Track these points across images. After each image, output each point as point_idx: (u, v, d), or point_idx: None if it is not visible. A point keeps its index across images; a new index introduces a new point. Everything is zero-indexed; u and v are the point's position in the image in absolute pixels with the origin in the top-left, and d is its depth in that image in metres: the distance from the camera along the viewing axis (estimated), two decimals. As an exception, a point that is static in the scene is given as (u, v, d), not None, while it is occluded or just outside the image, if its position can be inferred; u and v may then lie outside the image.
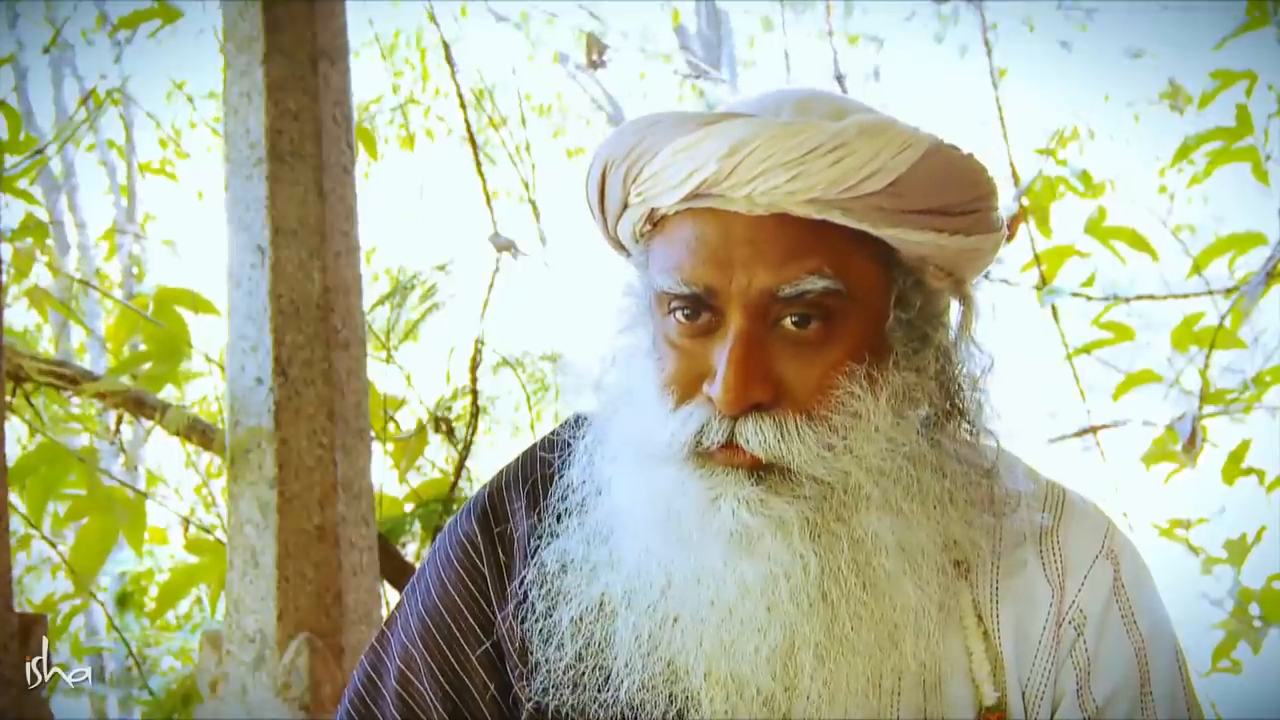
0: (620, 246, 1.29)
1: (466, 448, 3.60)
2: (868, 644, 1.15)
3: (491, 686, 1.26)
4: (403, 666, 1.30)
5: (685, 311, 1.17)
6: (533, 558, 1.25)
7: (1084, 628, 1.24)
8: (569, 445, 1.29)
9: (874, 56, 8.36)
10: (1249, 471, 3.61)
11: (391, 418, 3.57)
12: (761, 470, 1.14)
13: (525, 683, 1.24)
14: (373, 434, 3.13)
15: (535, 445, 1.35)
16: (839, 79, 4.31)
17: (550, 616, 1.22)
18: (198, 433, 3.38)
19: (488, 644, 1.26)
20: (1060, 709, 1.23)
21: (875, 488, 1.15)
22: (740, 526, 1.12)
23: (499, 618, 1.26)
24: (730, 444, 1.14)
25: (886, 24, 8.45)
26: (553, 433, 1.34)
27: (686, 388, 1.17)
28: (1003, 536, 1.24)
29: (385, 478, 3.50)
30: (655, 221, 1.22)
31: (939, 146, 1.17)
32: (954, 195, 1.18)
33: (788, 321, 1.14)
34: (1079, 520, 1.28)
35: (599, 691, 1.20)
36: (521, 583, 1.25)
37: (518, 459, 1.35)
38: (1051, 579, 1.25)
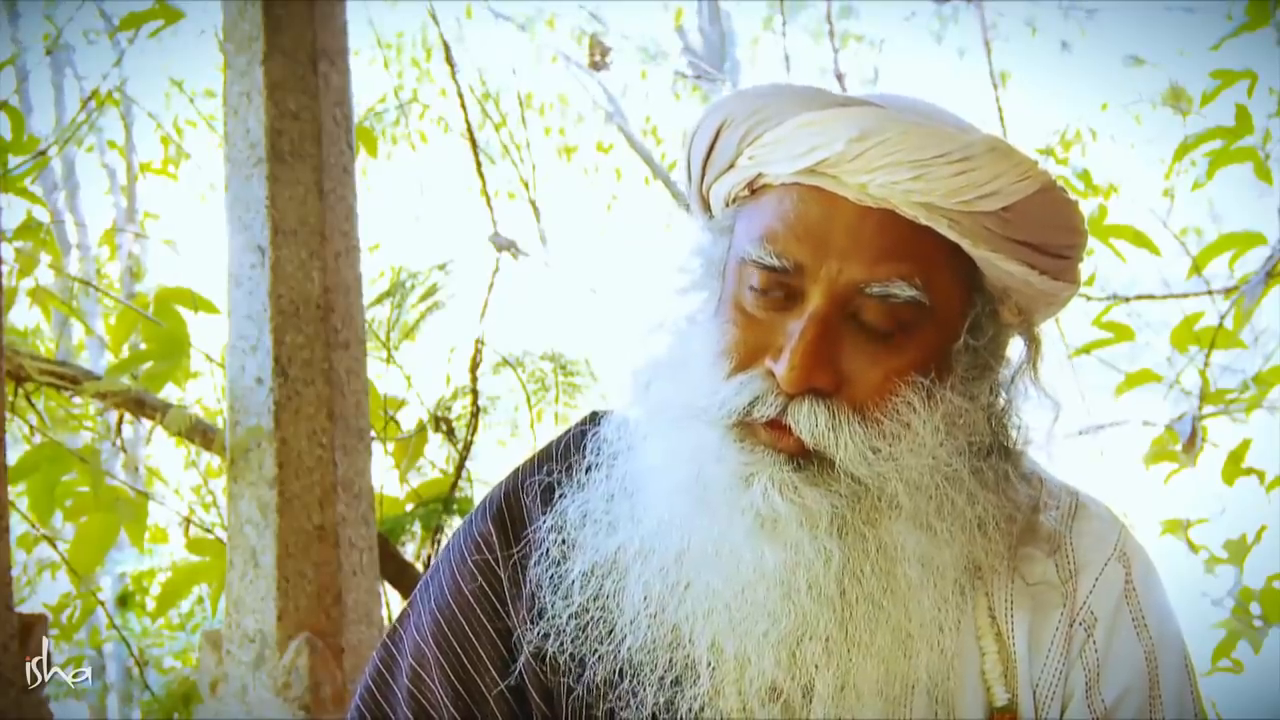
0: (705, 206, 1.28)
1: (466, 448, 3.60)
2: (881, 649, 1.15)
3: (503, 686, 1.25)
4: (415, 664, 1.29)
5: (764, 287, 1.16)
6: (553, 506, 1.26)
7: (1094, 629, 1.24)
8: (586, 441, 1.28)
9: (873, 57, 8.36)
10: (1249, 471, 3.60)
11: (391, 418, 3.57)
12: (802, 458, 1.13)
13: (540, 679, 1.23)
14: (373, 434, 3.13)
15: (551, 443, 1.35)
16: (839, 78, 4.31)
17: (563, 564, 1.22)
18: (198, 433, 3.38)
19: (500, 643, 1.26)
20: (1069, 709, 1.23)
21: (909, 500, 1.15)
22: (769, 509, 1.12)
23: (513, 617, 1.26)
24: (778, 424, 1.14)
25: (885, 24, 8.45)
26: (568, 431, 1.34)
27: (748, 357, 1.16)
28: (1019, 540, 1.25)
29: (385, 478, 3.50)
30: (755, 189, 1.21)
31: (1053, 185, 1.18)
32: (1054, 235, 1.19)
33: (865, 318, 1.14)
34: (1092, 523, 1.29)
35: (600, 644, 1.20)
36: (538, 560, 1.25)
37: (533, 457, 1.35)
38: (1064, 580, 1.25)
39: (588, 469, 1.26)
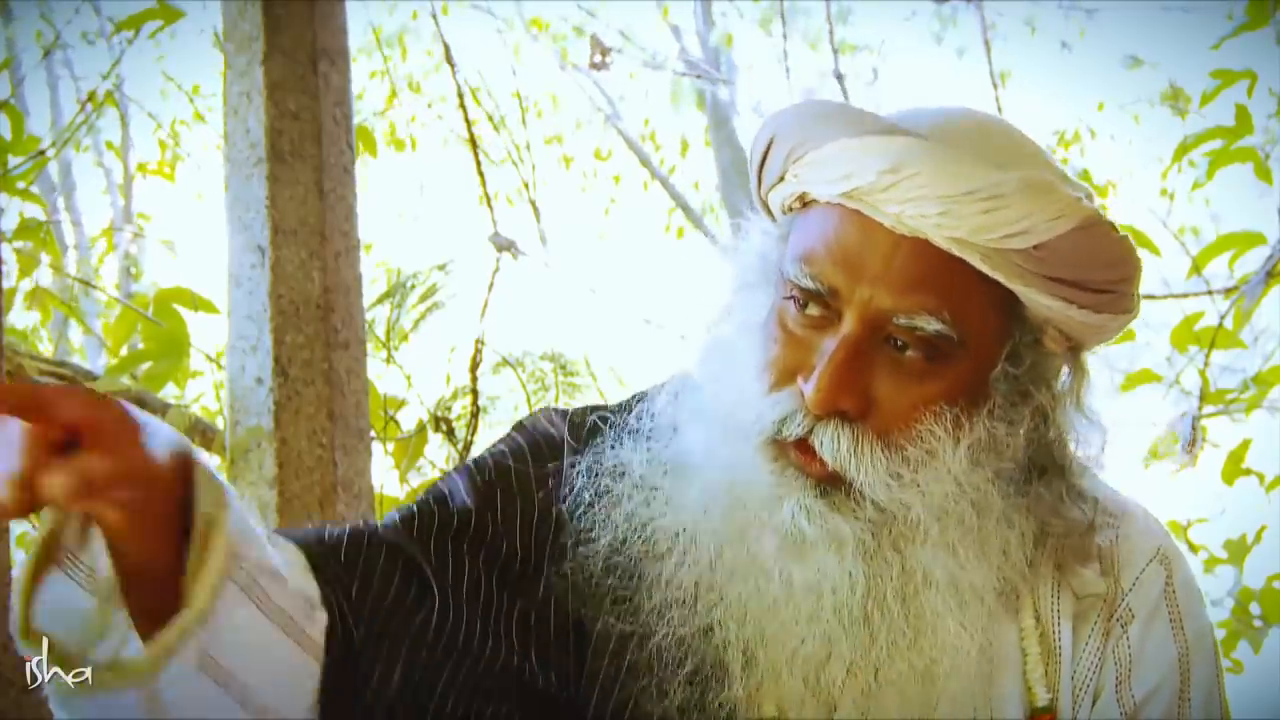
0: (767, 210, 1.29)
1: (466, 448, 3.60)
2: (901, 674, 1.16)
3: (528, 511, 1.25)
4: (474, 470, 1.30)
5: (804, 303, 1.17)
6: (589, 445, 1.27)
7: (1130, 625, 1.25)
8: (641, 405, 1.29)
9: (873, 58, 8.36)
10: (1249, 471, 3.61)
11: (391, 418, 3.57)
12: (828, 484, 1.14)
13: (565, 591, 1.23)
14: (373, 434, 3.13)
15: (620, 402, 1.36)
16: (839, 79, 4.32)
17: (593, 510, 1.23)
18: (198, 433, 3.38)
19: (542, 506, 1.25)
20: (1099, 702, 1.24)
21: (935, 524, 1.15)
22: (797, 531, 1.13)
23: (555, 500, 1.26)
24: (805, 446, 1.14)
25: (885, 25, 8.46)
26: (634, 396, 1.34)
27: (785, 374, 1.17)
28: (1073, 557, 1.25)
29: (385, 478, 3.50)
30: (806, 202, 1.22)
31: (1094, 222, 1.15)
32: (1095, 273, 1.18)
33: (895, 344, 1.15)
34: (1136, 525, 1.30)
35: (627, 624, 1.19)
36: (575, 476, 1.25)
37: (613, 405, 1.36)
38: (1107, 579, 1.26)
39: (631, 432, 1.27)
